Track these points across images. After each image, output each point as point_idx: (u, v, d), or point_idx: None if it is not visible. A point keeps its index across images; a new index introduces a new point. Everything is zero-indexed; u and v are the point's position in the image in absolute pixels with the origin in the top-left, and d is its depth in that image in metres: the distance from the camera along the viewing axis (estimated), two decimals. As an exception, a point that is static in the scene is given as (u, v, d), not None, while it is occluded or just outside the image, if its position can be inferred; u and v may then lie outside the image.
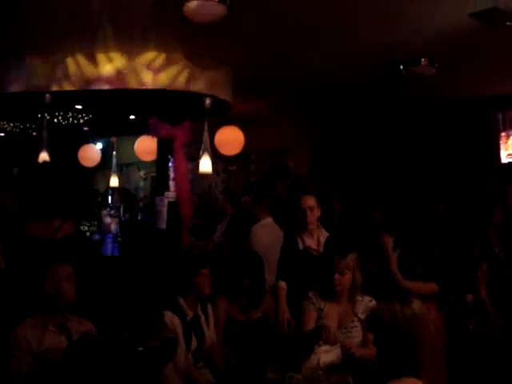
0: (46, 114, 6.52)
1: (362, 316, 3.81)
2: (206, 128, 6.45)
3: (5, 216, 5.15)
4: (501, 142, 7.73)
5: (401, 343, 2.18)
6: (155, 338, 3.30)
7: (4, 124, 8.03)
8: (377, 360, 2.43)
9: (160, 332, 3.54)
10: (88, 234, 7.31)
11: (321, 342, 3.54)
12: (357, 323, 3.84)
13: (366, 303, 3.91)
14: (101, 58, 5.83)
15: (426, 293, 4.36)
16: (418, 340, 2.19)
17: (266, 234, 5.66)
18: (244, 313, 4.28)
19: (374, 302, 3.89)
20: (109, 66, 5.83)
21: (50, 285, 3.37)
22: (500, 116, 7.71)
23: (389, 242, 4.68)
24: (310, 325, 3.85)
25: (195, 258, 4.12)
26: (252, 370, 3.60)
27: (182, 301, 3.83)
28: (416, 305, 2.29)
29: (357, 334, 3.82)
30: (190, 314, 3.83)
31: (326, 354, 3.52)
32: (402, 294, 2.38)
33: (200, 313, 3.94)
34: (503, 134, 7.72)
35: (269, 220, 5.84)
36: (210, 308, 4.07)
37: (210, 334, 4.00)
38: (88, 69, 5.83)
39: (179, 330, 3.68)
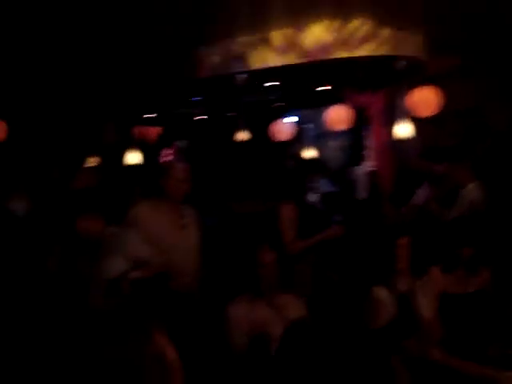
0: (240, 95, 6.70)
1: None
2: (402, 92, 6.17)
3: None
4: None
5: None
6: (368, 316, 3.22)
7: (202, 108, 8.43)
8: None
9: (371, 308, 3.44)
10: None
11: None
12: None
13: None
14: (275, 36, 5.83)
15: None
16: None
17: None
18: (460, 284, 4.02)
19: None
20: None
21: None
22: None
23: None
24: None
25: (391, 230, 3.94)
26: (474, 346, 3.38)
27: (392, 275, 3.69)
28: None
29: None
30: (402, 288, 3.68)
31: None
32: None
33: (411, 286, 3.76)
34: None
35: (475, 184, 5.48)
36: (421, 281, 3.88)
37: (423, 308, 3.81)
38: (267, 55, 5.86)
39: (390, 304, 3.56)
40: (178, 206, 4.18)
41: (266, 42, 5.91)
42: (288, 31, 5.81)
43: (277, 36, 5.85)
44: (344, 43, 5.64)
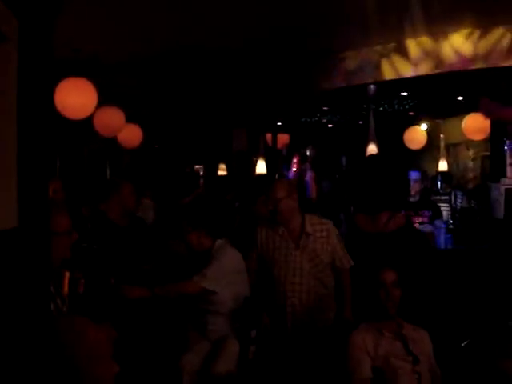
0: (371, 104, 6.55)
1: None
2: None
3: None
4: None
5: None
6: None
7: (332, 116, 8.36)
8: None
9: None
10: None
11: None
12: None
13: None
14: (410, 45, 5.63)
15: None
16: None
17: None
18: None
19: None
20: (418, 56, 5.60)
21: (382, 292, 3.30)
22: None
23: None
24: None
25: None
26: None
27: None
28: None
29: None
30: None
31: None
32: None
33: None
34: None
35: None
36: None
37: None
38: (401, 65, 5.69)
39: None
40: (297, 223, 3.89)
41: (400, 51, 5.74)
42: (424, 40, 5.59)
43: (412, 45, 5.65)
44: (486, 54, 5.31)
